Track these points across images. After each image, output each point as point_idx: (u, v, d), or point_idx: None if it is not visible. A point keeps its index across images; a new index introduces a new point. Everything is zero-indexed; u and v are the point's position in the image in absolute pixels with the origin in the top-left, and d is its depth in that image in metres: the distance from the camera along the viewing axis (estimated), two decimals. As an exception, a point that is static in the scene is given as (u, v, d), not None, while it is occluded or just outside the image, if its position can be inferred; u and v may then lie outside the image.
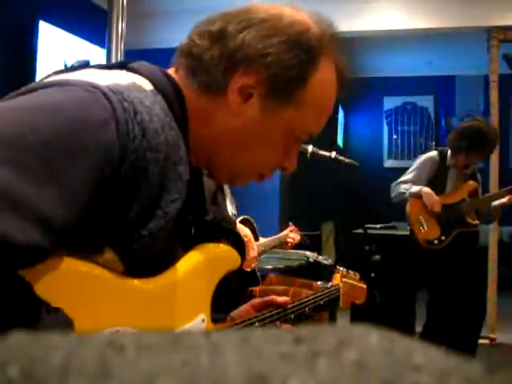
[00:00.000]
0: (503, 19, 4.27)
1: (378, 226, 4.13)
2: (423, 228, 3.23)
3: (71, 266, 0.69)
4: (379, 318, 2.68)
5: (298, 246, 2.75)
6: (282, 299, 1.10)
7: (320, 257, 3.24)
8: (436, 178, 3.21)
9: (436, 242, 3.19)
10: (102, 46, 2.22)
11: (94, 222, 0.67)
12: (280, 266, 2.98)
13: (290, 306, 1.08)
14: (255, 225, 2.33)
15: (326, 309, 1.17)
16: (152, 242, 0.73)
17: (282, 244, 2.54)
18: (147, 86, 0.76)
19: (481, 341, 3.90)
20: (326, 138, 6.11)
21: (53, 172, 0.60)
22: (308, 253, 3.16)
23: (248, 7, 0.82)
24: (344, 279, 1.33)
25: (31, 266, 0.62)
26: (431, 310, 3.29)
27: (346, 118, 7.71)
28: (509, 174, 3.32)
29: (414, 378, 0.20)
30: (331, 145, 6.20)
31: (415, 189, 3.20)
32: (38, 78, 3.21)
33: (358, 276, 1.42)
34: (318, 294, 1.18)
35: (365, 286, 1.41)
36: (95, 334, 0.22)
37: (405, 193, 3.22)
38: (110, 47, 2.05)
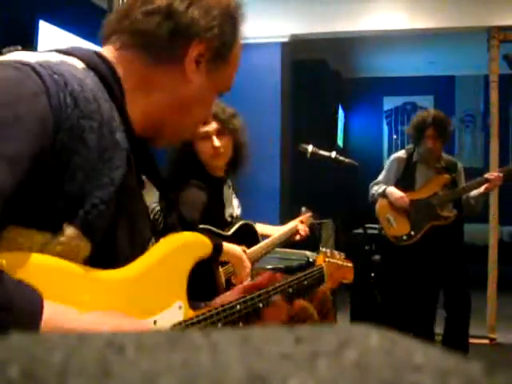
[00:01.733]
0: (503, 19, 4.28)
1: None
2: (392, 225, 3.26)
3: (39, 262, 0.70)
4: (379, 317, 2.69)
5: (298, 246, 2.74)
6: (266, 278, 1.12)
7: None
8: (404, 176, 3.28)
9: (405, 237, 3.21)
10: (102, 45, 2.22)
11: (44, 195, 0.71)
12: (280, 265, 2.98)
13: (271, 288, 1.09)
14: (255, 228, 2.31)
15: (310, 289, 1.17)
16: (106, 209, 0.76)
17: (291, 236, 2.45)
18: (79, 64, 0.81)
19: (481, 341, 3.91)
20: (326, 138, 6.12)
21: None
22: (308, 253, 3.15)
23: None
24: (327, 259, 1.32)
25: None
26: (414, 309, 3.29)
27: (346, 117, 7.71)
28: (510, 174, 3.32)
29: (414, 377, 0.20)
30: (331, 145, 6.20)
31: (381, 189, 3.31)
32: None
33: (342, 255, 1.41)
34: (301, 275, 1.18)
35: (351, 265, 1.41)
36: (95, 334, 0.22)
37: (374, 194, 3.35)
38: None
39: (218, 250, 1.86)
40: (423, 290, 3.23)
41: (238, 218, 2.22)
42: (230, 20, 0.93)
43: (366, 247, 2.73)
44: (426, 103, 7.46)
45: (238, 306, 0.99)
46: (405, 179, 3.27)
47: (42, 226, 0.72)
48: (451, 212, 3.20)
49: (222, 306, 0.98)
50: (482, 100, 7.27)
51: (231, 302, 1.01)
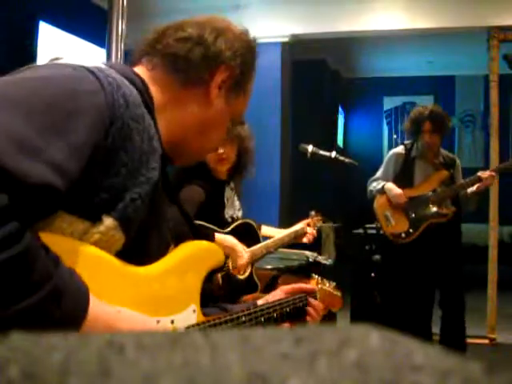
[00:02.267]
0: (503, 19, 4.28)
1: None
2: (390, 223, 3.24)
3: (76, 248, 0.75)
4: (379, 318, 2.69)
5: (297, 246, 2.74)
6: (309, 286, 1.30)
7: (320, 257, 3.23)
8: (403, 172, 3.25)
9: (403, 235, 3.18)
10: (102, 46, 2.22)
11: (90, 185, 0.76)
12: (280, 265, 2.97)
13: (266, 306, 1.15)
14: (255, 227, 2.32)
15: (303, 311, 1.23)
16: (142, 205, 0.82)
17: (298, 238, 2.46)
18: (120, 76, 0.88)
19: (481, 341, 3.91)
20: (326, 138, 6.13)
21: (58, 130, 0.70)
22: (308, 253, 3.15)
23: (209, 18, 1.02)
24: (320, 285, 1.36)
25: (48, 210, 0.71)
26: (411, 308, 3.29)
27: (346, 117, 7.72)
28: (509, 173, 3.32)
29: (414, 378, 0.20)
30: (331, 145, 6.20)
31: (380, 185, 3.27)
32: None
33: (332, 284, 1.44)
34: (297, 297, 1.23)
35: (340, 294, 1.44)
36: (95, 335, 0.22)
37: (372, 191, 3.31)
38: (110, 47, 2.05)
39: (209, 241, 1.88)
40: (420, 288, 3.21)
41: (238, 220, 2.23)
42: (250, 53, 1.02)
43: (366, 247, 2.73)
44: (426, 103, 7.45)
45: (244, 318, 1.05)
46: (403, 175, 3.24)
47: (84, 215, 0.76)
48: (449, 209, 3.17)
49: (248, 309, 1.07)
50: (482, 100, 7.28)
51: (256, 307, 1.10)
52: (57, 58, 0.86)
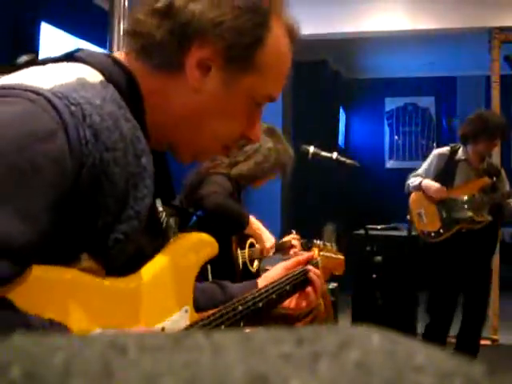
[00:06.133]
0: (504, 20, 4.27)
1: (380, 226, 4.13)
2: (422, 220, 3.21)
3: (44, 274, 0.67)
4: (381, 318, 2.68)
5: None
6: (305, 256, 1.24)
7: (321, 258, 3.23)
8: (444, 173, 3.20)
9: (433, 234, 3.15)
10: (104, 47, 2.23)
11: (64, 234, 0.66)
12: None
13: (270, 287, 1.10)
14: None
15: (306, 283, 1.22)
16: (128, 243, 0.71)
17: (284, 249, 2.52)
18: (97, 77, 0.73)
19: (483, 342, 3.90)
20: (327, 139, 6.12)
21: (4, 197, 0.58)
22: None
23: None
24: (321, 253, 1.36)
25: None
26: (432, 310, 3.28)
27: (347, 118, 7.71)
28: (511, 174, 3.31)
29: (416, 378, 0.20)
30: (332, 145, 6.20)
31: (417, 181, 3.23)
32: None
33: (335, 248, 1.44)
34: (299, 270, 1.21)
35: (342, 257, 1.43)
36: (97, 335, 0.22)
37: (410, 185, 3.28)
38: (112, 48, 2.06)
39: (245, 222, 1.98)
40: (444, 292, 3.17)
41: None
42: (250, 14, 0.76)
43: (368, 248, 2.72)
44: (428, 104, 7.45)
45: (240, 307, 0.98)
46: (444, 176, 3.19)
47: (59, 259, 0.67)
48: (485, 217, 3.12)
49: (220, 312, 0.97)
50: (484, 101, 7.26)
51: (247, 297, 1.02)
52: (32, 60, 0.74)
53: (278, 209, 4.73)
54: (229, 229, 2.02)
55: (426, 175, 3.26)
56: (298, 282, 1.18)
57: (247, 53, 0.78)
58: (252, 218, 2.06)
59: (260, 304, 1.04)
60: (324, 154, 2.42)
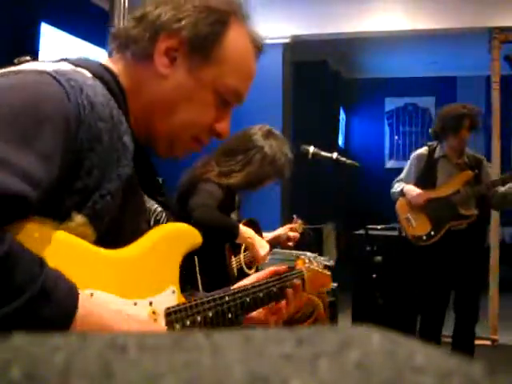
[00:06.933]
0: (504, 20, 4.27)
1: (380, 226, 4.13)
2: (412, 225, 3.20)
3: (48, 234, 0.76)
4: (381, 318, 2.68)
5: (301, 244, 2.74)
6: (282, 268, 1.26)
7: (321, 257, 3.23)
8: (425, 173, 3.19)
9: (425, 237, 3.13)
10: (104, 47, 2.23)
11: (59, 189, 0.76)
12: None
13: (257, 284, 1.14)
14: (259, 226, 2.34)
15: (281, 295, 1.22)
16: (112, 201, 0.82)
17: (282, 243, 2.52)
18: (87, 73, 0.86)
19: (482, 342, 3.90)
20: (327, 139, 6.12)
21: (25, 139, 0.71)
22: (309, 254, 3.15)
23: None
24: (307, 265, 1.37)
25: (17, 219, 0.71)
26: (423, 309, 3.28)
27: (347, 118, 7.71)
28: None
29: (416, 379, 0.20)
30: (332, 146, 6.20)
31: (400, 187, 3.24)
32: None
33: (322, 264, 1.45)
34: (283, 276, 1.23)
35: (329, 273, 1.44)
36: (97, 335, 0.22)
37: (394, 192, 3.29)
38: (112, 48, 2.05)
39: (234, 233, 1.94)
40: (436, 291, 3.17)
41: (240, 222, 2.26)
42: (208, 12, 0.91)
43: (368, 248, 2.73)
44: (428, 104, 7.46)
45: (227, 298, 1.04)
46: (425, 176, 3.18)
47: (55, 216, 0.77)
48: (472, 211, 3.09)
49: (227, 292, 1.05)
50: (484, 101, 7.26)
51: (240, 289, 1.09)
52: (26, 60, 0.86)
53: (277, 209, 4.73)
54: (218, 240, 2.01)
55: (407, 179, 3.26)
56: (272, 292, 1.18)
57: (206, 43, 0.91)
58: (243, 228, 2.02)
59: (247, 299, 1.09)
60: (324, 154, 2.43)
